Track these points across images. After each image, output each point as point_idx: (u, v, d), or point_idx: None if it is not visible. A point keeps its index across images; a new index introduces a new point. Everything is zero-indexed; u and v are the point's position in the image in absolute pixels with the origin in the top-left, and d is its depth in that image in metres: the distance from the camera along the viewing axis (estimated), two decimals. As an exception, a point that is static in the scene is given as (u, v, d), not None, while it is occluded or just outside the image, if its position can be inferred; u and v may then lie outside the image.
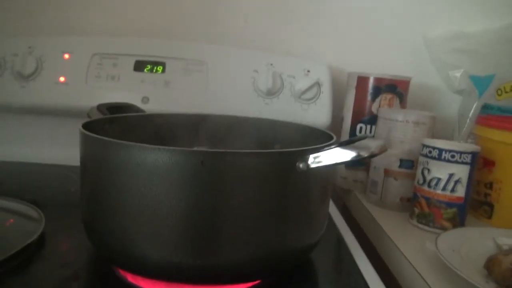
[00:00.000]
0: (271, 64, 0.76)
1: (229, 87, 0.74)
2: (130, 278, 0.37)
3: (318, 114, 0.76)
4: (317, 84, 0.75)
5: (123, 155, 0.32)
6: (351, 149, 0.33)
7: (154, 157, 0.31)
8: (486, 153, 0.61)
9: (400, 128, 0.63)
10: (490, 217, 0.62)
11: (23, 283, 0.36)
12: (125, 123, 0.49)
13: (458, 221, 0.56)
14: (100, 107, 0.49)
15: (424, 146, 0.57)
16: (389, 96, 0.71)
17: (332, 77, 0.79)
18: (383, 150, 0.34)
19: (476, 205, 0.64)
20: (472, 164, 0.55)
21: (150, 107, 0.72)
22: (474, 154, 0.55)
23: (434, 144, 0.56)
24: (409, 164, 0.63)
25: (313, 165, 0.33)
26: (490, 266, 0.42)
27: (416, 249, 0.51)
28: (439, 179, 0.55)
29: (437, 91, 0.85)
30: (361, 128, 0.73)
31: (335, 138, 0.42)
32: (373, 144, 0.34)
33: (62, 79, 0.72)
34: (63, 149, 0.73)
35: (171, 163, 0.31)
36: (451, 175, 0.55)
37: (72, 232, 0.46)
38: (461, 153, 0.54)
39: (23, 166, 0.72)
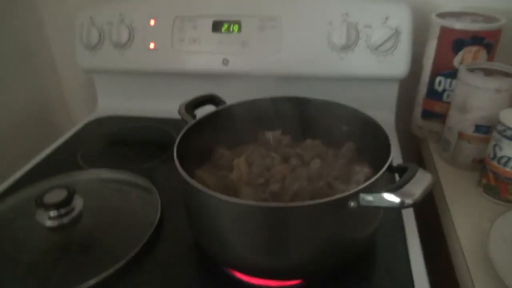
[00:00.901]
0: (346, 14, 0.73)
1: (303, 43, 0.75)
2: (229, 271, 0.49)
3: (395, 66, 0.74)
4: (395, 33, 0.72)
5: (212, 204, 0.42)
6: (397, 195, 0.38)
7: (232, 208, 0.40)
8: None
9: (479, 95, 0.61)
10: None
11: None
12: (210, 122, 0.57)
13: (525, 196, 0.58)
14: (187, 107, 0.57)
15: (500, 122, 0.56)
16: (474, 48, 0.67)
17: (414, 18, 0.74)
18: (427, 194, 0.38)
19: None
20: (548, 146, 0.54)
21: (229, 69, 0.78)
22: (551, 137, 0.53)
23: (509, 123, 0.55)
24: (485, 129, 0.63)
25: (362, 204, 0.40)
26: (536, 264, 0.46)
27: (472, 226, 0.55)
28: (509, 158, 0.56)
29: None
30: (440, 81, 0.71)
31: (392, 151, 0.45)
32: (418, 191, 0.38)
33: (152, 45, 0.80)
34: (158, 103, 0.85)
35: (248, 212, 0.40)
36: (522, 156, 0.55)
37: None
38: (536, 136, 0.53)
39: (127, 121, 0.85)
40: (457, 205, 0.60)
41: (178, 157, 0.48)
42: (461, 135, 0.65)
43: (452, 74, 0.68)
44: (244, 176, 0.52)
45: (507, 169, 0.57)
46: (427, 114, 0.75)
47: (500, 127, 0.56)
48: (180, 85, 0.84)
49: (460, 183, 0.64)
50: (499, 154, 0.57)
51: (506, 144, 0.56)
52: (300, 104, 0.61)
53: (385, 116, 0.81)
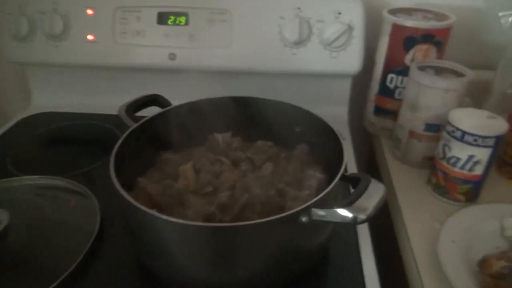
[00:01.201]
0: (298, 8, 0.71)
1: (254, 37, 0.72)
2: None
3: (348, 62, 0.73)
4: (348, 29, 0.71)
5: (149, 222, 0.38)
6: (350, 210, 0.36)
7: (172, 228, 0.36)
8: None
9: (429, 94, 0.61)
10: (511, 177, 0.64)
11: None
12: (154, 126, 0.53)
13: (473, 195, 0.58)
14: (128, 110, 0.52)
15: (449, 123, 0.56)
16: (424, 46, 0.66)
17: (367, 13, 0.72)
18: (380, 207, 0.37)
19: (501, 163, 0.65)
20: (495, 146, 0.54)
21: (177, 64, 0.73)
22: (498, 138, 0.54)
23: (458, 125, 0.55)
24: (435, 128, 0.63)
25: (314, 218, 0.37)
26: (482, 266, 0.47)
27: (422, 225, 0.55)
28: (458, 159, 0.56)
29: (484, 28, 0.76)
30: (391, 78, 0.70)
31: (344, 162, 0.44)
32: (371, 205, 0.36)
33: (90, 37, 0.73)
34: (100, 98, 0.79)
35: (190, 234, 0.37)
36: (471, 157, 0.55)
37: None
38: (483, 137, 0.54)
39: (65, 118, 0.78)
40: (408, 203, 0.60)
41: (117, 165, 0.44)
42: (411, 133, 0.65)
43: (404, 71, 0.68)
44: (191, 184, 0.49)
45: (456, 169, 0.57)
46: (379, 111, 0.75)
47: (449, 128, 0.56)
48: (124, 80, 0.78)
49: (411, 180, 0.65)
50: (448, 154, 0.57)
51: (455, 144, 0.56)
52: (251, 105, 0.58)
53: (338, 111, 0.80)
